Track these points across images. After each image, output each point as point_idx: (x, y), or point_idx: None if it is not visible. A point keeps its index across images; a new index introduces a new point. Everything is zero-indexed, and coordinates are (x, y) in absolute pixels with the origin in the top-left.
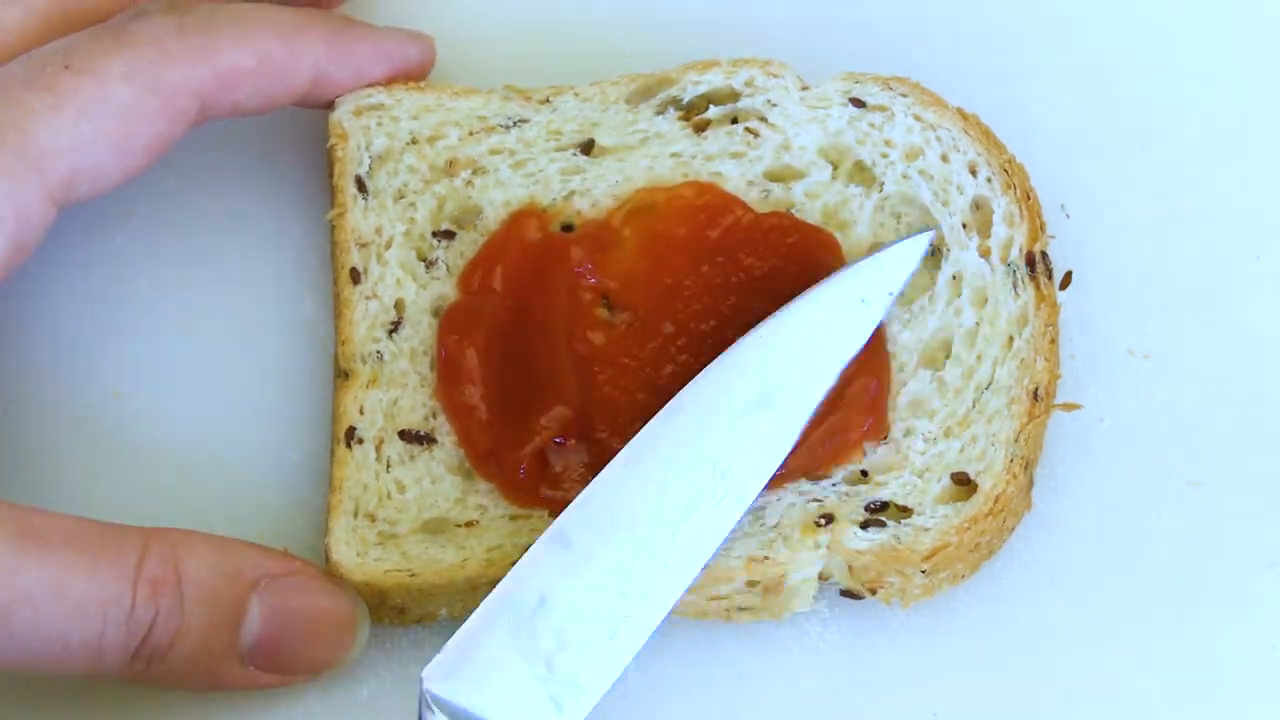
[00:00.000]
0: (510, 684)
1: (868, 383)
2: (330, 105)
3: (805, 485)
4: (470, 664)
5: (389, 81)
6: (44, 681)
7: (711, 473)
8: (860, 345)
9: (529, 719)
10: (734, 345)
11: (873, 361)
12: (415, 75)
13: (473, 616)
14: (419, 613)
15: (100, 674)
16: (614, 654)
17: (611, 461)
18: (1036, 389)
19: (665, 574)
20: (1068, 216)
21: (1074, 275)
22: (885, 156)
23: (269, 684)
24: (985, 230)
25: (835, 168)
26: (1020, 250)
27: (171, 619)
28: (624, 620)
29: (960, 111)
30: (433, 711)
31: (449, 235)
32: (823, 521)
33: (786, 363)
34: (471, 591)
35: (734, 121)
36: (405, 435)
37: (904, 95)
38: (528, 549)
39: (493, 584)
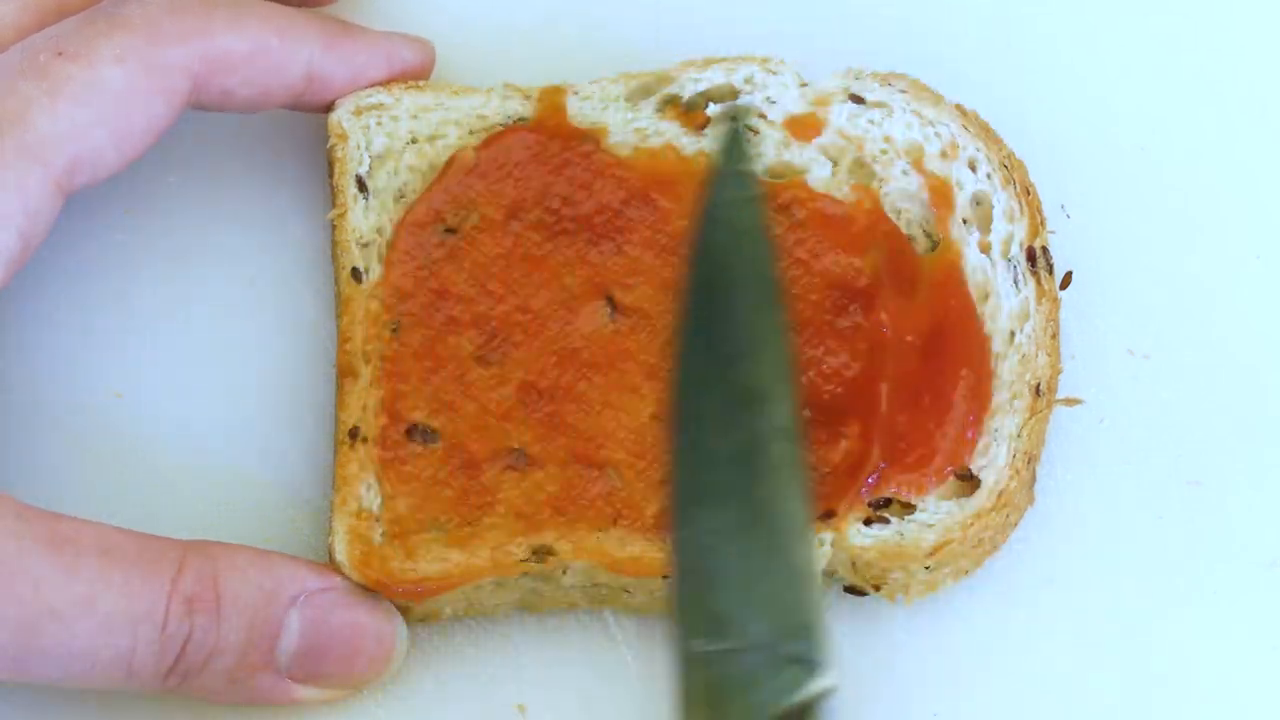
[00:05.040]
0: (750, 688)
1: (970, 405)
2: (329, 107)
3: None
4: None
5: (387, 84)
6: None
7: (738, 412)
8: None
9: (787, 685)
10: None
11: (977, 392)
12: (414, 79)
13: (672, 704)
14: (423, 612)
15: (132, 688)
16: (798, 582)
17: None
18: (1038, 384)
19: (776, 490)
20: (1068, 217)
21: (1074, 275)
22: (885, 153)
23: (307, 698)
24: (985, 226)
25: (835, 164)
26: (1020, 245)
27: (208, 636)
28: (783, 556)
29: (959, 108)
30: None
31: (451, 233)
32: (826, 518)
33: None
34: (475, 591)
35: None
36: (409, 434)
37: (903, 91)
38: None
39: (497, 583)
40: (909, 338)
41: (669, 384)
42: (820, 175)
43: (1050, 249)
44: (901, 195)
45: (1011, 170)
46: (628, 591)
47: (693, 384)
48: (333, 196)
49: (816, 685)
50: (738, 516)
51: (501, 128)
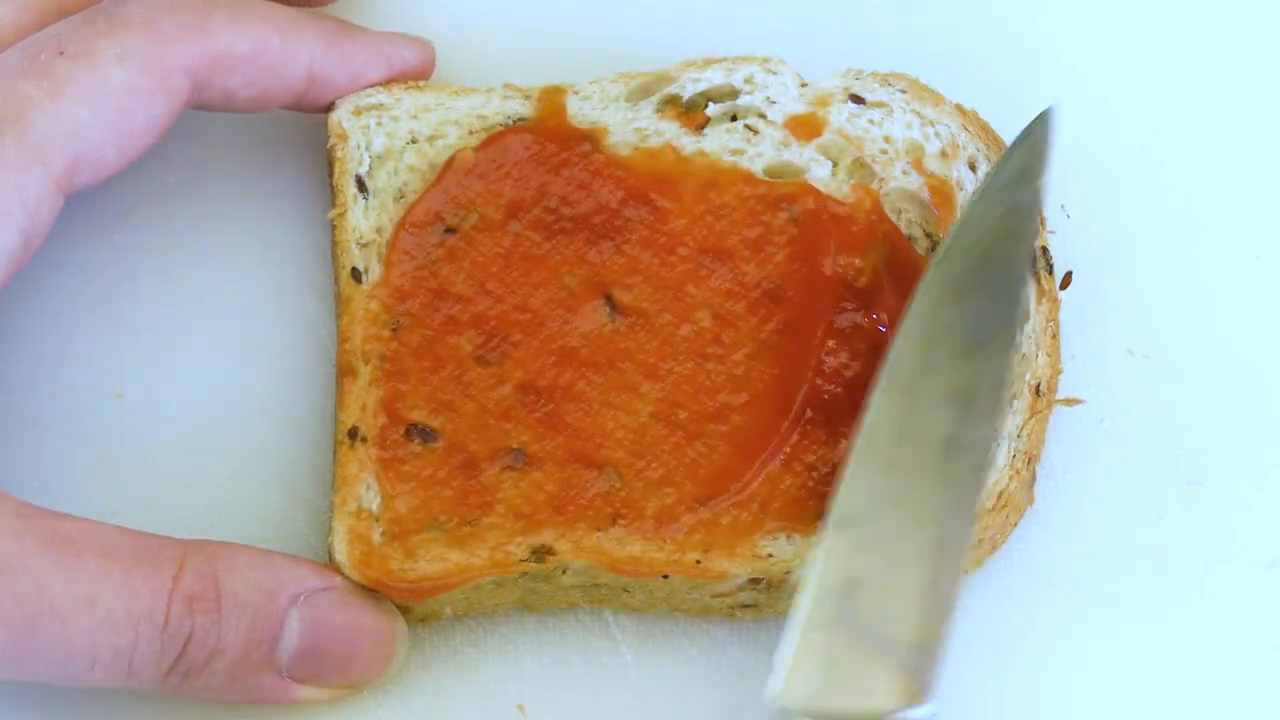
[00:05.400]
0: (858, 670)
1: None
2: (329, 107)
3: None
4: (811, 669)
5: (388, 84)
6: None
7: (949, 405)
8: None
9: (892, 693)
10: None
11: None
12: (414, 79)
13: (791, 624)
14: (423, 612)
15: (132, 688)
16: (939, 602)
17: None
18: (1038, 384)
19: (954, 506)
20: (1068, 217)
21: (1074, 275)
22: (885, 153)
23: (307, 698)
24: None
25: (835, 164)
26: None
27: (208, 635)
28: (936, 568)
29: (959, 107)
30: None
31: (450, 233)
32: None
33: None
34: (475, 591)
35: (733, 119)
36: (408, 434)
37: (903, 91)
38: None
39: (497, 583)
40: None
41: (895, 337)
42: (820, 175)
43: (1050, 249)
44: (901, 195)
45: None
46: (627, 591)
47: (921, 336)
48: (333, 196)
49: (915, 711)
50: (908, 491)
51: (501, 128)
